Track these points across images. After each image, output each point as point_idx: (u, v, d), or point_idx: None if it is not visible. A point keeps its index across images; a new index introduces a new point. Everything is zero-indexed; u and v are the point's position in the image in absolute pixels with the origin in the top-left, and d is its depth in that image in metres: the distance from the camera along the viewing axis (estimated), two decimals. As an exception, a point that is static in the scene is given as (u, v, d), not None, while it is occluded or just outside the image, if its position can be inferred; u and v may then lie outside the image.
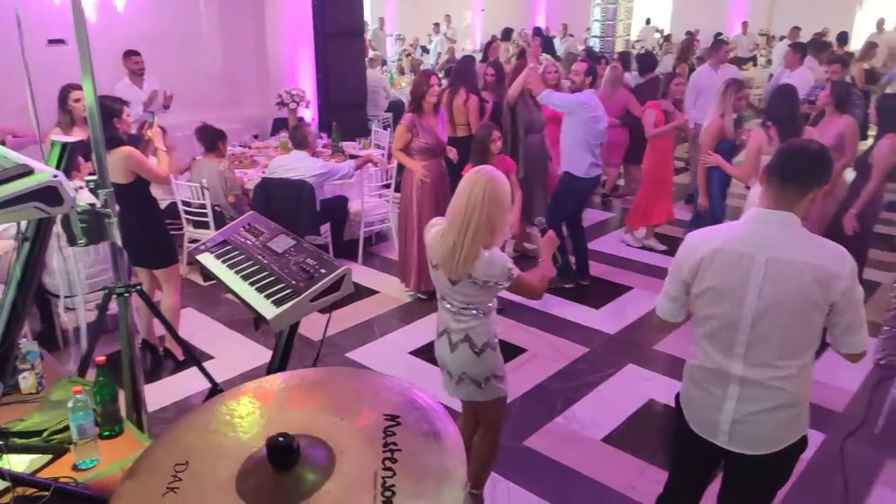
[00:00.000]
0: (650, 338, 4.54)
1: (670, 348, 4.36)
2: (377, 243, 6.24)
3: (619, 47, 11.24)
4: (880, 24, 12.62)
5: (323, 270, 2.46)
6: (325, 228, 5.50)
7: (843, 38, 10.42)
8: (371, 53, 10.23)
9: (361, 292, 5.15)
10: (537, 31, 14.15)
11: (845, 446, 3.40)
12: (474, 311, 2.58)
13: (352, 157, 6.09)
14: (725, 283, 2.00)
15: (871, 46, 9.69)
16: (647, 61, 7.40)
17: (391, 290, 5.24)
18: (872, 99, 7.20)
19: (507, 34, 11.95)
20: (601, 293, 5.23)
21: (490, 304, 2.63)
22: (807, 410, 2.08)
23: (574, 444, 3.46)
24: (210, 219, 5.16)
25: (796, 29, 11.45)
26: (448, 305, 2.62)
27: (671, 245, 5.96)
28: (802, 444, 2.09)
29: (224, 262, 2.76)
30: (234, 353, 4.32)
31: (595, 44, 11.76)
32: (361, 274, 5.47)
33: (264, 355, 4.19)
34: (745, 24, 15.06)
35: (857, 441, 3.45)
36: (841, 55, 8.07)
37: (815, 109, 5.48)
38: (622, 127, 6.79)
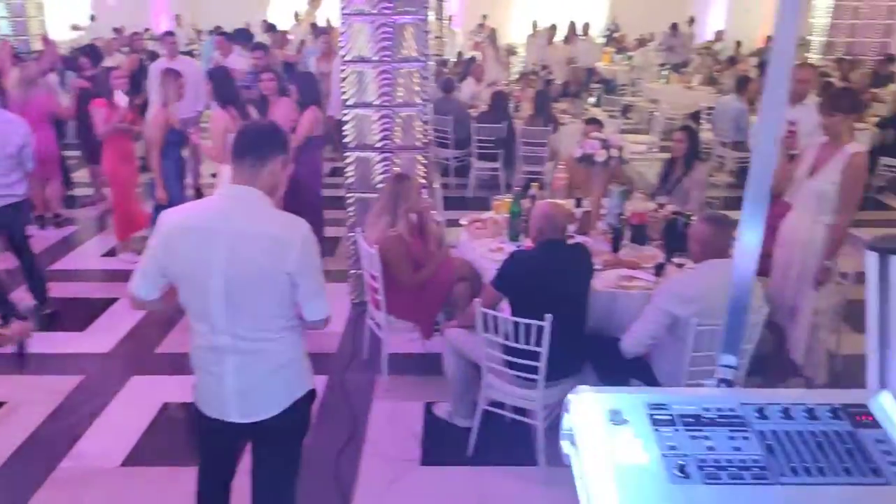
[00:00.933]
0: (150, 343, 4.31)
1: (172, 347, 4.22)
2: None
3: (37, 46, 10.00)
4: (297, 16, 14.41)
5: None
6: None
7: (272, 27, 11.56)
8: None
9: None
10: None
11: (345, 379, 3.90)
12: None
13: None
14: (193, 260, 2.00)
15: (284, 34, 10.97)
16: (93, 53, 7.32)
17: None
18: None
19: None
20: (82, 313, 4.70)
21: None
22: (305, 366, 2.21)
23: (91, 483, 3.07)
24: None
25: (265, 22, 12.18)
26: None
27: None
28: (311, 396, 2.24)
29: None
30: None
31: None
32: None
33: None
34: (178, 17, 15.13)
35: (353, 370, 3.99)
36: (261, 43, 8.83)
37: (259, 94, 5.86)
38: (42, 131, 6.01)
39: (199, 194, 5.91)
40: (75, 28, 14.28)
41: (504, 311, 3.19)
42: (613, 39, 14.97)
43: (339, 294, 4.66)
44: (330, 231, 5.72)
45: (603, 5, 17.00)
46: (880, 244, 0.99)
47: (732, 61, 10.57)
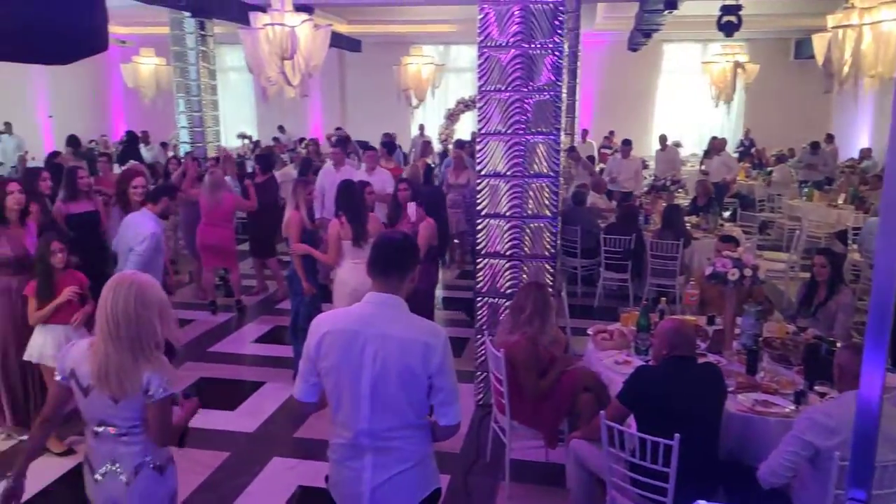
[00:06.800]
0: (290, 427, 4.62)
1: (309, 433, 4.49)
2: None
3: (212, 152, 11.40)
4: (421, 128, 15.55)
5: None
6: None
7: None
8: None
9: (-68, 454, 4.12)
10: (130, 135, 13.41)
11: (468, 480, 3.96)
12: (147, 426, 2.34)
13: None
14: (343, 359, 2.21)
15: (427, 145, 11.80)
16: (266, 161, 8.06)
17: (-24, 443, 4.31)
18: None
19: (72, 142, 10.96)
20: (234, 394, 5.14)
21: None
22: (433, 465, 2.36)
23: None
24: None
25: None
26: (111, 431, 2.31)
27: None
28: (437, 495, 2.37)
29: None
30: None
31: (184, 149, 11.69)
32: (-74, 433, 4.37)
33: None
34: (338, 129, 16.60)
35: (476, 473, 4.05)
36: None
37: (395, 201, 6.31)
38: (226, 229, 6.88)
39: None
40: (242, 137, 16.12)
41: (631, 425, 3.18)
42: (749, 154, 14.76)
43: (465, 394, 4.77)
44: (456, 332, 5.93)
45: (735, 120, 16.87)
46: None
47: (880, 180, 10.06)
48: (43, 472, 3.93)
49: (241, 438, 4.48)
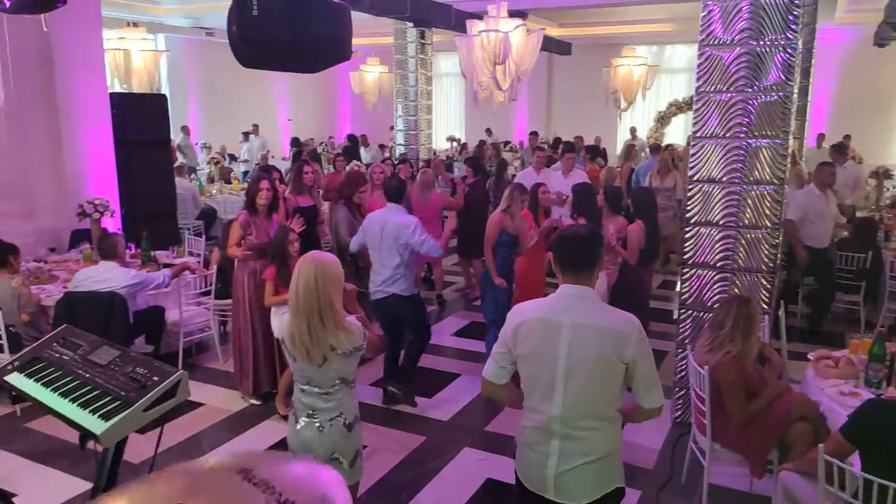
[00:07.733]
0: (482, 420, 4.76)
1: (500, 427, 4.60)
2: (198, 354, 5.94)
3: (423, 155, 12.05)
4: (633, 130, 15.06)
5: (156, 378, 2.41)
6: (140, 341, 5.18)
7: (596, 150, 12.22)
8: (178, 161, 10.04)
9: (184, 406, 4.81)
10: (351, 138, 14.75)
11: (660, 499, 3.79)
12: (344, 386, 2.65)
13: (166, 265, 5.86)
14: (540, 346, 2.30)
15: (631, 148, 11.42)
16: (477, 164, 8.52)
17: (218, 401, 4.99)
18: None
19: (296, 143, 12.39)
20: (432, 382, 5.41)
21: (354, 374, 2.71)
22: (619, 462, 2.36)
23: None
24: (3, 340, 4.62)
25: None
26: (316, 390, 2.64)
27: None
28: (620, 493, 2.36)
29: (38, 380, 2.58)
30: (39, 487, 3.84)
31: (399, 150, 12.50)
32: (182, 387, 5.16)
33: (76, 486, 3.80)
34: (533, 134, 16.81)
35: (669, 493, 3.86)
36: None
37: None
38: (434, 225, 7.26)
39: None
40: (451, 140, 16.85)
41: (853, 463, 2.84)
42: None
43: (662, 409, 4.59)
44: (656, 344, 5.65)
45: None
46: None
47: None
48: (271, 432, 4.50)
49: (436, 425, 4.70)
